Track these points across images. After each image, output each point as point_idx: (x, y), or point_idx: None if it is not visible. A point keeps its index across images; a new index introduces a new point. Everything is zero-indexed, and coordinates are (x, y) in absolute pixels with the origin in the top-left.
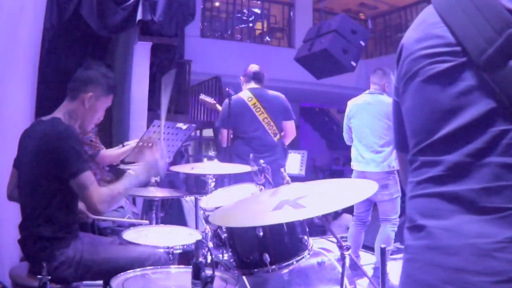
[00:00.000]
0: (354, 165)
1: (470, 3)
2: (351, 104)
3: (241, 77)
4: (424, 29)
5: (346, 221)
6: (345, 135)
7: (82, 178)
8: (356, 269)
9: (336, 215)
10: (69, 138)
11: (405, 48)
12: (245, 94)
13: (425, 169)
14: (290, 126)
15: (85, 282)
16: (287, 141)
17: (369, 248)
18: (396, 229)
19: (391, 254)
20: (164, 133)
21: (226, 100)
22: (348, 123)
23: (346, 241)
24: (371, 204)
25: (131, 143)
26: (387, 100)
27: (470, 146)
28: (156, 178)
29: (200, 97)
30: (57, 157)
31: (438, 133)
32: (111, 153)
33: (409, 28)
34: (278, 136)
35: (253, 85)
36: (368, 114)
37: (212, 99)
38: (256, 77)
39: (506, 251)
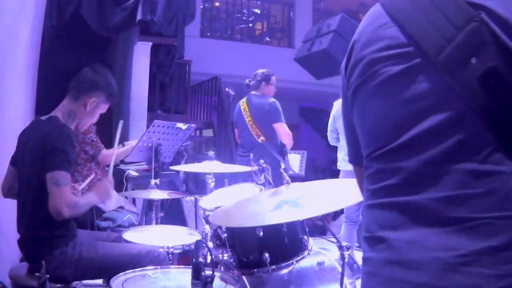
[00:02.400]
0: (342, 165)
1: None
2: (338, 104)
3: None
4: (373, 31)
5: None
6: (330, 135)
7: (58, 174)
8: (356, 269)
9: (335, 215)
10: (59, 137)
11: (355, 51)
12: (243, 100)
13: (381, 177)
14: (279, 128)
15: (85, 282)
16: (285, 142)
17: None
18: None
19: None
20: (164, 133)
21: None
22: (335, 124)
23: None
24: (361, 203)
25: (131, 143)
26: None
27: (431, 153)
28: (156, 181)
29: None
30: (44, 153)
31: (395, 140)
32: (112, 153)
33: (355, 33)
34: (261, 138)
35: (252, 91)
36: None
37: None
38: (252, 83)
39: (473, 265)
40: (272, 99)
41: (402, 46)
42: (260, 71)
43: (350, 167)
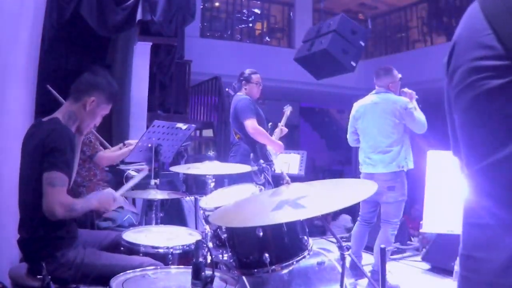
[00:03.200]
0: (362, 167)
1: None
2: (358, 105)
3: None
4: (472, 35)
5: (344, 221)
6: (350, 137)
7: (54, 175)
8: (356, 269)
9: (335, 216)
10: (59, 138)
11: (455, 54)
12: None
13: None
14: (246, 126)
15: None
16: (256, 139)
17: (369, 248)
18: (396, 232)
19: (391, 255)
20: (164, 133)
21: None
22: (355, 124)
23: (345, 241)
24: (377, 205)
25: (132, 142)
26: (394, 98)
27: None
28: (156, 181)
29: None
30: (44, 153)
31: (487, 159)
32: (110, 154)
33: (458, 27)
34: (237, 135)
35: (238, 92)
36: (375, 113)
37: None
38: (237, 85)
39: None
40: (244, 96)
41: (500, 58)
42: (246, 71)
43: (371, 169)
